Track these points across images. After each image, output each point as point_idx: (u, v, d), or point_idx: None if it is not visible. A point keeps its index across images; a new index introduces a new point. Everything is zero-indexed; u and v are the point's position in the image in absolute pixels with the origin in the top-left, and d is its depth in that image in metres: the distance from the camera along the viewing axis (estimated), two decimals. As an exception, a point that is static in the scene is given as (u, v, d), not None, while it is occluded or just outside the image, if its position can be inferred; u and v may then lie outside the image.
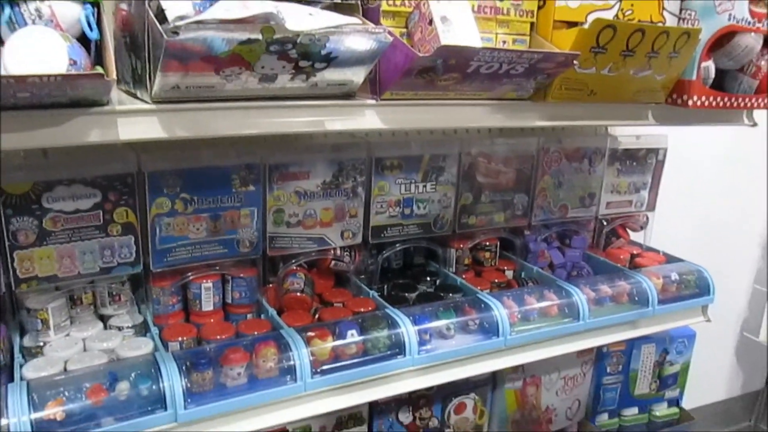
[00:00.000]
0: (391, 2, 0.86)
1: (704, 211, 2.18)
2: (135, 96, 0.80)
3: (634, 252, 1.44)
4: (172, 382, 0.87)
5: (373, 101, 0.88)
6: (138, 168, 0.98)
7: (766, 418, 2.65)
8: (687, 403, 2.39)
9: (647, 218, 1.49)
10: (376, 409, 1.13)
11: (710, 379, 2.51)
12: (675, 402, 1.48)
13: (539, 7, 0.97)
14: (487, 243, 1.28)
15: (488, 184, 1.24)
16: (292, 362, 0.94)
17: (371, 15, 0.87)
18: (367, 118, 0.89)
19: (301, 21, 0.72)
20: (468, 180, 1.22)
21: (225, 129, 0.82)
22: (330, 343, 0.98)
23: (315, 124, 0.86)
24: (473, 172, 1.22)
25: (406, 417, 1.15)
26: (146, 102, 0.77)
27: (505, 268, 1.29)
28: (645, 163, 1.43)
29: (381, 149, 1.14)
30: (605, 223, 1.45)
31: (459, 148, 1.20)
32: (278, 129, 0.85)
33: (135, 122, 0.76)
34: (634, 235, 1.52)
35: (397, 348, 1.01)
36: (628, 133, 1.42)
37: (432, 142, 1.17)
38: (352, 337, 1.00)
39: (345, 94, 0.87)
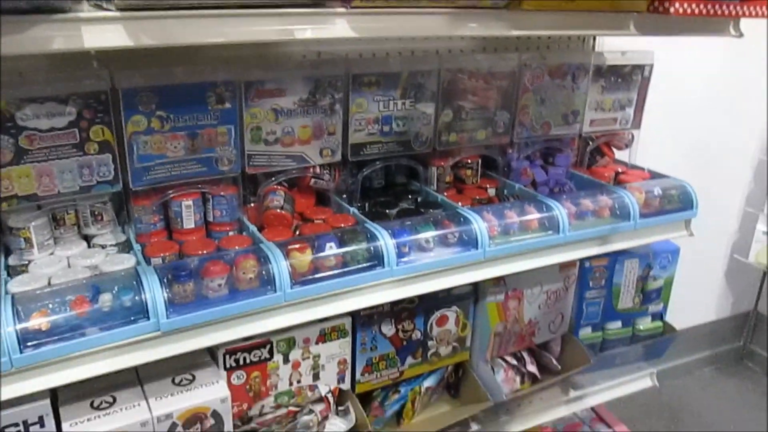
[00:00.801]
0: None
1: (695, 131, 2.17)
2: (101, 7, 0.79)
3: (619, 170, 1.44)
4: (154, 293, 0.90)
5: (343, 9, 0.87)
6: (111, 85, 0.98)
7: (755, 338, 2.71)
8: (679, 322, 2.44)
9: (632, 136, 1.48)
10: (359, 321, 1.15)
11: (700, 301, 2.55)
12: (659, 316, 1.51)
13: None
14: (469, 161, 1.28)
15: (469, 101, 1.23)
16: (271, 273, 0.96)
17: None
18: (338, 26, 0.88)
19: None
20: (448, 97, 1.21)
21: (192, 37, 0.81)
22: (309, 256, 1.00)
23: (284, 33, 0.85)
24: (453, 89, 1.21)
25: (388, 329, 1.18)
26: (110, 9, 0.76)
27: (487, 185, 1.29)
28: (630, 79, 1.41)
29: (358, 65, 1.13)
30: (590, 141, 1.44)
31: (438, 65, 1.18)
32: (246, 37, 0.84)
33: (100, 30, 0.76)
34: (619, 154, 1.52)
35: (376, 260, 1.02)
36: (613, 49, 1.39)
37: (411, 58, 1.16)
38: (331, 249, 1.01)
39: (315, 2, 0.85)
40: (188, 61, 1.01)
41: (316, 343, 1.13)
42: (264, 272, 0.97)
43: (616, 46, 1.42)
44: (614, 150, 1.50)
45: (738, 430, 2.31)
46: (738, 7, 1.14)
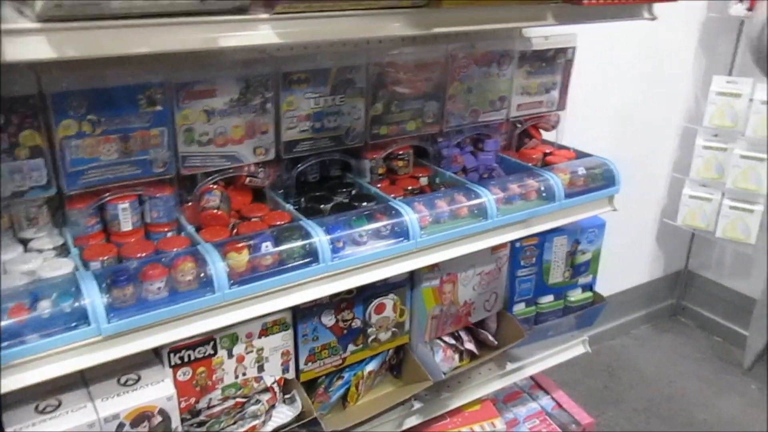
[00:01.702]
0: None
1: (623, 104, 2.26)
2: (23, 14, 0.79)
3: (547, 151, 1.50)
4: (93, 298, 0.91)
5: (266, 15, 0.88)
6: (39, 89, 0.98)
7: (687, 295, 2.87)
8: (614, 287, 2.58)
9: (559, 117, 1.54)
10: (299, 314, 1.19)
11: (635, 263, 2.68)
12: (588, 287, 1.60)
13: None
14: (401, 152, 1.32)
15: (398, 93, 1.26)
16: (209, 275, 0.99)
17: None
18: (262, 32, 0.89)
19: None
20: (377, 90, 1.24)
21: (117, 48, 0.81)
22: (246, 255, 1.03)
23: (209, 41, 0.87)
24: (382, 83, 1.24)
25: (329, 320, 1.22)
26: (31, 20, 0.76)
27: (420, 174, 1.34)
28: (554, 63, 1.46)
29: (288, 63, 1.14)
30: (518, 125, 1.50)
31: (367, 59, 1.21)
32: (171, 47, 0.85)
33: (21, 42, 0.75)
34: (547, 135, 1.58)
35: (312, 256, 1.06)
36: (537, 34, 1.44)
37: (339, 53, 1.18)
38: (267, 248, 1.04)
39: (238, 8, 0.87)
40: (118, 64, 1.00)
41: (259, 337, 1.17)
42: (202, 273, 0.99)
43: (540, 31, 1.47)
44: (542, 132, 1.56)
45: (672, 382, 2.46)
46: (649, -5, 1.19)
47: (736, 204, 2.32)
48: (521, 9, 1.10)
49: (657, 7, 1.26)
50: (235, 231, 1.13)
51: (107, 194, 1.08)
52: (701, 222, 2.43)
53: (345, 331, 1.26)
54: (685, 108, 2.48)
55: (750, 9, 2.17)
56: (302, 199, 1.24)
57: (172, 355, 1.10)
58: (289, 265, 1.05)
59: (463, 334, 1.44)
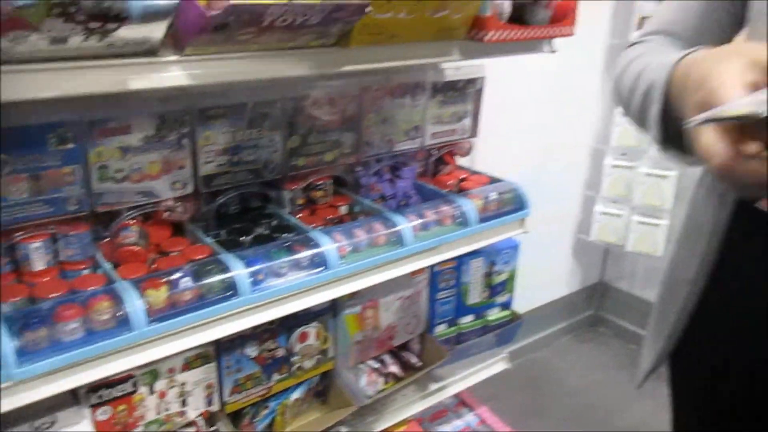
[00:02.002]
0: (182, -42, 0.87)
1: (535, 129, 2.37)
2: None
3: (462, 176, 1.57)
4: (3, 342, 0.89)
5: (176, 57, 0.90)
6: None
7: (603, 305, 3.01)
8: (536, 301, 2.68)
9: (471, 144, 1.61)
10: (222, 346, 1.19)
11: (554, 278, 2.80)
12: (506, 305, 1.66)
13: (336, -45, 1.01)
14: (320, 182, 1.35)
15: (315, 125, 1.30)
16: (126, 313, 0.98)
17: (163, -29, 0.88)
18: (172, 74, 0.91)
19: (79, -14, 0.72)
20: (294, 123, 1.27)
21: (24, 92, 0.81)
22: (164, 292, 1.03)
23: (118, 84, 0.88)
24: (299, 116, 1.27)
25: (252, 350, 1.23)
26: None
27: (339, 203, 1.37)
28: (465, 93, 1.53)
29: (203, 99, 1.16)
30: (434, 152, 1.55)
31: (282, 94, 1.24)
32: (79, 90, 0.85)
33: None
34: (462, 161, 1.64)
35: (232, 290, 1.07)
36: (448, 66, 1.51)
37: (255, 88, 1.20)
38: (186, 283, 1.05)
39: (147, 51, 0.88)
40: (28, 102, 0.99)
41: (181, 371, 1.17)
42: (119, 312, 0.99)
43: (451, 62, 1.53)
44: (456, 158, 1.62)
45: (593, 390, 2.57)
46: (547, 30, 1.27)
47: (644, 219, 2.47)
48: (428, 47, 1.16)
49: (558, 40, 1.35)
50: (153, 266, 1.13)
51: (18, 234, 1.07)
52: (612, 237, 2.56)
53: (269, 361, 1.27)
54: (593, 129, 2.62)
55: (647, 37, 2.32)
56: (222, 232, 1.25)
57: (90, 394, 1.08)
58: (209, 300, 1.05)
59: (386, 357, 1.47)
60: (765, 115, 0.48)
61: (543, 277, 2.65)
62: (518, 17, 1.25)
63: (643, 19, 2.30)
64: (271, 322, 1.23)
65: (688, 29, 0.88)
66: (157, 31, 0.84)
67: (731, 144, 0.52)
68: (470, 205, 1.38)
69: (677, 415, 1.06)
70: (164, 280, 1.04)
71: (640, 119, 0.78)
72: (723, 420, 0.95)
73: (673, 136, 0.70)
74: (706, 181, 0.92)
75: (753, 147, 0.52)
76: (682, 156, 0.72)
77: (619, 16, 2.46)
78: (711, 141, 0.53)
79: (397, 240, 1.25)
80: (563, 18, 1.26)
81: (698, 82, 0.58)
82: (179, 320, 1.02)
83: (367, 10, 0.95)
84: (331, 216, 1.32)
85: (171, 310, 1.02)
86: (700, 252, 0.90)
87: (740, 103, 0.51)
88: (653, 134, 0.72)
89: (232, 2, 0.84)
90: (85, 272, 1.13)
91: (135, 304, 0.99)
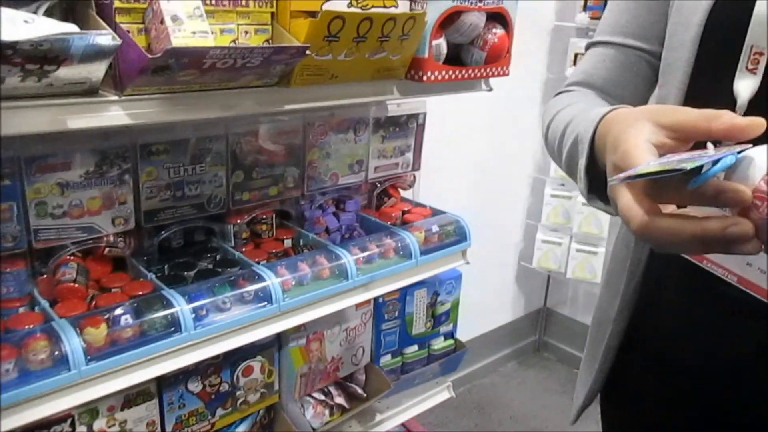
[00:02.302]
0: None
1: (477, 161, 2.44)
2: None
3: (405, 209, 1.60)
4: (-68, 389, 0.87)
5: (116, 97, 0.91)
6: None
7: (547, 331, 3.08)
8: (482, 327, 2.73)
9: (414, 177, 1.65)
10: (164, 382, 1.18)
11: (498, 305, 2.86)
12: (450, 335, 1.70)
13: (277, -2, 1.05)
14: (264, 216, 1.36)
15: (259, 160, 1.31)
16: (64, 352, 0.97)
17: (105, 11, 0.89)
18: (112, 114, 0.92)
19: (17, 30, 0.73)
20: (238, 159, 1.28)
21: (-43, 132, 0.81)
22: (104, 330, 1.02)
23: (57, 123, 0.88)
24: (242, 151, 1.29)
25: (195, 386, 1.23)
26: None
27: (284, 237, 1.38)
28: (407, 127, 1.58)
29: (145, 135, 1.16)
30: (377, 185, 1.59)
31: (225, 129, 1.25)
32: (18, 130, 0.85)
33: None
34: (405, 193, 1.68)
35: (174, 326, 1.07)
36: (390, 102, 1.55)
37: (198, 125, 1.21)
38: (127, 320, 1.04)
39: (86, 90, 0.89)
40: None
41: (122, 409, 1.15)
42: (56, 351, 0.97)
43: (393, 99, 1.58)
44: (400, 191, 1.66)
45: (537, 415, 2.61)
46: (483, 70, 1.33)
47: (582, 247, 2.56)
48: (368, 86, 1.20)
49: (495, 78, 1.40)
50: (93, 303, 1.12)
51: (-49, 272, 1.04)
52: (553, 264, 2.64)
53: (213, 396, 1.26)
54: (534, 160, 2.71)
55: (582, 73, 2.43)
56: (165, 267, 1.24)
57: (25, 436, 1.05)
58: (151, 336, 1.05)
59: (332, 389, 1.48)
60: (675, 173, 0.51)
61: (488, 304, 2.71)
62: (455, 57, 1.30)
63: (577, 55, 2.41)
64: (215, 357, 1.22)
65: (608, 82, 0.93)
66: (97, 71, 0.85)
67: (647, 206, 0.55)
68: (413, 238, 1.41)
69: None
70: (104, 317, 1.03)
71: (568, 170, 0.82)
72: None
73: (600, 187, 0.73)
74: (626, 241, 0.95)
75: (668, 208, 0.56)
76: (608, 207, 0.74)
77: (554, 52, 2.57)
78: (628, 203, 0.55)
79: (341, 273, 1.27)
80: (498, 58, 1.31)
81: (613, 143, 0.61)
82: (119, 358, 1.01)
83: (308, 53, 0.98)
84: (275, 249, 1.33)
85: (111, 348, 1.01)
86: (620, 292, 0.92)
87: (651, 164, 0.55)
88: (580, 186, 0.76)
89: (172, 45, 0.86)
90: (21, 310, 1.11)
91: (73, 343, 0.97)
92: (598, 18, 2.36)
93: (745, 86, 0.73)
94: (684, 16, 0.79)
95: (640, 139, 0.58)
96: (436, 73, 1.23)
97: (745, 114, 0.71)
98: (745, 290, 0.74)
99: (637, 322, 0.92)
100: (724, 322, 0.81)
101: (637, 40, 0.90)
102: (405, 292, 1.53)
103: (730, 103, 0.74)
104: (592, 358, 1.00)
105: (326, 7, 1.05)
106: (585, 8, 2.40)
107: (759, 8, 0.70)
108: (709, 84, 0.78)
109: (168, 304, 1.08)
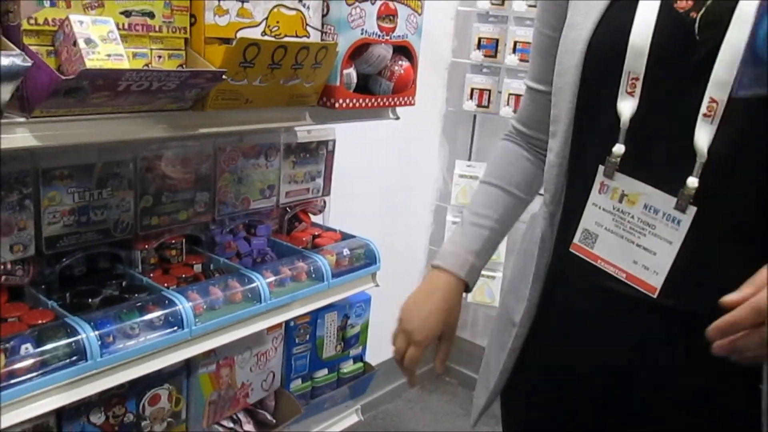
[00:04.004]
0: (32, 21, 0.87)
1: (383, 188, 2.50)
2: None
3: (316, 233, 1.63)
4: None
5: (23, 119, 0.88)
6: None
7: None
8: (386, 353, 2.74)
9: (325, 202, 1.68)
10: (64, 415, 1.13)
11: (403, 332, 2.88)
12: (359, 358, 1.72)
13: (192, 24, 1.06)
14: (173, 241, 1.34)
15: (168, 185, 1.30)
16: (-43, 386, 0.92)
17: (12, 33, 0.87)
18: (19, 136, 0.89)
19: None
20: (146, 183, 1.26)
21: None
22: (1, 360, 0.97)
23: (-42, 144, 0.84)
24: (151, 176, 1.27)
25: (98, 418, 1.18)
26: None
27: (194, 262, 1.37)
28: (317, 154, 1.61)
29: (47, 160, 1.12)
30: (288, 210, 1.60)
31: (133, 153, 1.23)
32: None
33: None
34: (316, 218, 1.71)
35: (78, 354, 1.03)
36: (301, 129, 1.58)
37: (104, 149, 1.19)
38: (27, 351, 1.00)
39: (-9, 111, 0.86)
40: None
41: (17, 446, 1.09)
42: (-51, 385, 0.92)
43: (303, 126, 1.61)
44: (311, 216, 1.68)
45: (440, 440, 2.67)
46: (390, 99, 1.39)
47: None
48: (281, 111, 1.22)
49: (401, 107, 1.47)
50: (-12, 335, 1.06)
51: None
52: (456, 288, 2.73)
53: (116, 428, 1.21)
54: (435, 188, 2.81)
55: (479, 105, 2.57)
56: (67, 295, 1.20)
57: None
58: (54, 366, 1.01)
59: (241, 416, 1.46)
60: None
61: (392, 329, 2.74)
62: (364, 87, 1.35)
63: (473, 90, 2.55)
64: (121, 386, 1.18)
65: (530, 120, 1.07)
66: (3, 93, 0.83)
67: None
68: (325, 261, 1.43)
69: None
70: (1, 347, 0.98)
71: None
72: None
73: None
74: (527, 235, 1.05)
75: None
76: None
77: (453, 86, 2.70)
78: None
79: (254, 296, 1.27)
80: (404, 88, 1.38)
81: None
82: (18, 389, 0.97)
83: (224, 77, 1.00)
84: (185, 275, 1.31)
85: (9, 380, 0.97)
86: (524, 297, 0.99)
87: None
88: None
89: (87, 67, 0.85)
90: None
91: (-32, 376, 0.92)
92: (491, 56, 2.52)
93: (625, 107, 0.82)
94: (568, 46, 0.89)
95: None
96: (348, 100, 1.28)
97: (628, 131, 0.83)
98: (633, 286, 0.85)
99: (538, 324, 0.99)
100: (612, 315, 0.89)
101: (540, 84, 1.02)
102: (316, 316, 1.54)
103: (614, 120, 0.84)
104: (494, 362, 1.06)
105: (241, 34, 1.07)
106: (479, 47, 2.54)
107: (634, 38, 0.80)
108: (594, 104, 0.87)
109: (72, 332, 1.04)
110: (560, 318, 0.97)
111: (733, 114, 0.76)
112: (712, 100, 0.75)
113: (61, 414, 1.13)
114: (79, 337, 1.04)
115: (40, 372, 1.00)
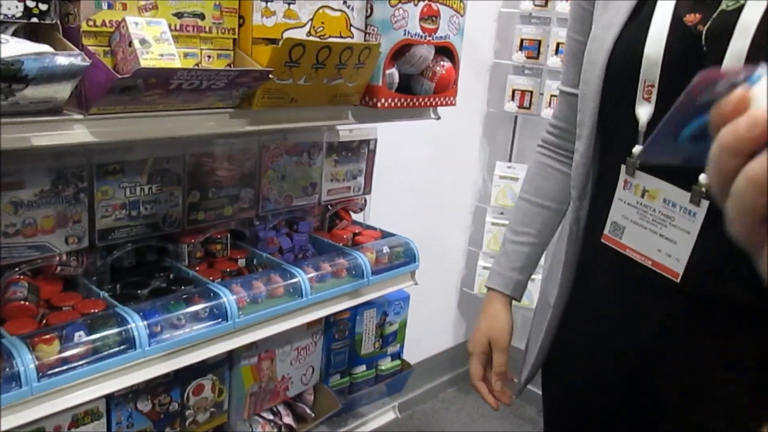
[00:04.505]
0: (91, 23, 0.91)
1: (422, 188, 2.52)
2: None
3: (356, 231, 1.65)
4: None
5: (81, 116, 0.92)
6: None
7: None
8: (423, 353, 2.77)
9: (365, 200, 1.71)
10: (113, 401, 1.17)
11: (440, 330, 2.91)
12: (397, 355, 1.74)
13: (240, 25, 1.09)
14: (218, 236, 1.38)
15: (214, 181, 1.34)
16: (15, 369, 0.96)
17: (71, 34, 0.91)
18: (76, 132, 0.93)
19: (-6, 47, 0.75)
20: (194, 179, 1.30)
21: None
22: (56, 347, 1.02)
23: (21, 141, 0.88)
24: (199, 172, 1.31)
25: (144, 405, 1.22)
26: None
27: (238, 257, 1.40)
28: (359, 153, 1.63)
29: (101, 155, 1.17)
30: (329, 208, 1.63)
31: (183, 150, 1.28)
32: (-18, 146, 0.86)
33: None
34: (356, 216, 1.73)
35: (128, 343, 1.07)
36: (343, 128, 1.61)
37: (155, 145, 1.23)
38: (80, 338, 1.04)
39: (51, 109, 0.90)
40: None
41: (69, 429, 1.13)
42: (7, 368, 0.96)
43: (344, 125, 1.63)
44: (351, 213, 1.71)
45: (476, 441, 2.67)
46: (431, 99, 1.40)
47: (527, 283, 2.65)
48: (325, 110, 1.25)
49: (442, 108, 1.48)
50: (44, 322, 1.11)
51: None
52: (494, 289, 2.72)
53: (162, 416, 1.25)
54: (475, 189, 2.81)
55: (520, 106, 2.56)
56: (117, 286, 1.24)
57: (-32, 458, 1.03)
58: (104, 353, 1.05)
59: (281, 408, 1.49)
60: None
61: (430, 329, 2.76)
62: (405, 87, 1.37)
63: (514, 91, 2.54)
64: (166, 375, 1.22)
65: (566, 122, 1.15)
66: (63, 91, 0.87)
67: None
68: (364, 258, 1.45)
69: (547, 420, 1.26)
70: (56, 335, 1.03)
71: None
72: (585, 427, 1.14)
73: None
74: (563, 227, 1.14)
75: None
76: None
77: (494, 87, 2.70)
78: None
79: (295, 291, 1.30)
80: (446, 89, 1.39)
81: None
82: (71, 374, 1.01)
83: (270, 77, 1.03)
84: (229, 269, 1.35)
85: (63, 365, 1.01)
86: (557, 281, 1.09)
87: None
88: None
89: (141, 66, 0.89)
90: (-31, 329, 1.09)
91: (25, 359, 0.97)
92: (533, 57, 2.51)
93: (643, 111, 0.91)
94: (592, 56, 0.98)
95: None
96: (390, 100, 1.29)
97: (645, 133, 0.92)
98: (657, 272, 0.94)
99: (571, 306, 1.11)
100: (640, 298, 0.99)
101: (574, 88, 1.08)
102: (355, 312, 1.56)
103: (633, 124, 0.93)
104: (534, 339, 1.19)
105: (287, 35, 1.10)
106: (521, 48, 2.53)
107: (648, 50, 0.89)
108: (614, 110, 0.97)
109: (122, 321, 1.09)
110: (593, 300, 1.06)
111: None
112: None
113: (110, 400, 1.17)
114: (128, 326, 1.08)
115: (92, 359, 1.04)
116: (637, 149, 0.93)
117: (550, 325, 1.13)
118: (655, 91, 0.89)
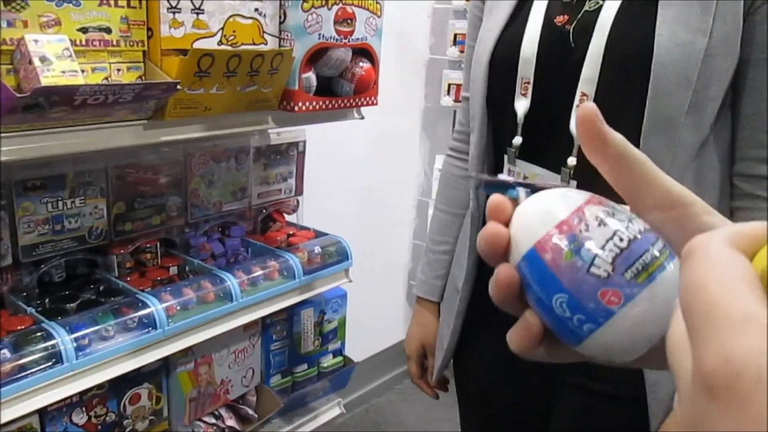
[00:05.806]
0: (-11, 42, 0.92)
1: (363, 185, 2.55)
2: None
3: (290, 232, 1.67)
4: None
5: (-13, 134, 0.93)
6: None
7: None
8: (376, 347, 2.81)
9: (298, 202, 1.73)
10: (47, 416, 1.18)
11: (391, 324, 2.96)
12: (339, 352, 1.77)
13: (149, 37, 1.10)
14: (148, 245, 1.39)
15: (140, 191, 1.35)
16: (-62, 392, 0.97)
17: (-28, 53, 0.92)
18: (-15, 151, 0.94)
19: None
20: (119, 190, 1.31)
21: None
22: (-19, 366, 1.02)
23: (-74, 162, 0.89)
24: (123, 183, 1.32)
25: (80, 418, 1.23)
26: None
27: (169, 264, 1.42)
28: (288, 155, 1.66)
29: (20, 171, 1.17)
30: (262, 211, 1.65)
31: (105, 163, 1.28)
32: None
33: None
34: (290, 217, 1.76)
35: (55, 358, 1.08)
36: (271, 131, 1.63)
37: (75, 159, 1.24)
38: (4, 356, 1.05)
39: (-44, 129, 0.91)
40: None
41: (2, 447, 1.14)
42: (-70, 391, 0.97)
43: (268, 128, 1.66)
44: (285, 215, 1.73)
45: (431, 429, 2.72)
46: (352, 100, 1.44)
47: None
48: (244, 116, 1.27)
49: (381, 105, 1.51)
50: (-31, 342, 1.11)
51: None
52: (441, 280, 2.78)
53: (99, 427, 1.26)
54: (417, 183, 2.87)
55: (456, 100, 2.62)
56: (46, 301, 1.25)
57: None
58: (32, 370, 1.06)
59: (223, 411, 1.51)
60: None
61: (379, 324, 2.80)
62: (327, 89, 1.40)
63: (450, 85, 2.60)
64: (101, 387, 1.23)
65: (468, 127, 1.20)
66: (-34, 110, 0.88)
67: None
68: (296, 259, 1.48)
69: (462, 411, 1.35)
70: (-20, 353, 1.04)
71: None
72: (496, 418, 1.21)
73: None
74: (469, 216, 1.19)
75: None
76: None
77: (431, 83, 2.75)
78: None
79: (226, 295, 1.32)
80: (366, 89, 1.42)
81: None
82: (-2, 392, 1.02)
83: (179, 87, 1.05)
84: (160, 277, 1.37)
85: (-11, 384, 1.02)
86: (463, 266, 1.16)
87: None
88: None
89: (41, 84, 0.90)
90: None
91: (-52, 381, 0.97)
92: (467, 50, 2.57)
93: (520, 105, 1.00)
94: (478, 57, 1.07)
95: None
96: (307, 103, 1.32)
97: (523, 125, 0.99)
98: None
99: (477, 290, 1.16)
100: None
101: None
102: (292, 312, 1.59)
103: (513, 117, 1.01)
104: (446, 324, 1.23)
105: (197, 45, 1.12)
106: (455, 43, 2.59)
107: (524, 50, 0.97)
108: (498, 104, 1.05)
109: (48, 336, 1.10)
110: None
111: (600, 104, 0.89)
112: (583, 94, 0.91)
113: (44, 415, 1.18)
114: (54, 341, 1.09)
115: (18, 376, 1.05)
116: (516, 140, 1.01)
117: (459, 309, 1.18)
118: (530, 86, 0.97)
